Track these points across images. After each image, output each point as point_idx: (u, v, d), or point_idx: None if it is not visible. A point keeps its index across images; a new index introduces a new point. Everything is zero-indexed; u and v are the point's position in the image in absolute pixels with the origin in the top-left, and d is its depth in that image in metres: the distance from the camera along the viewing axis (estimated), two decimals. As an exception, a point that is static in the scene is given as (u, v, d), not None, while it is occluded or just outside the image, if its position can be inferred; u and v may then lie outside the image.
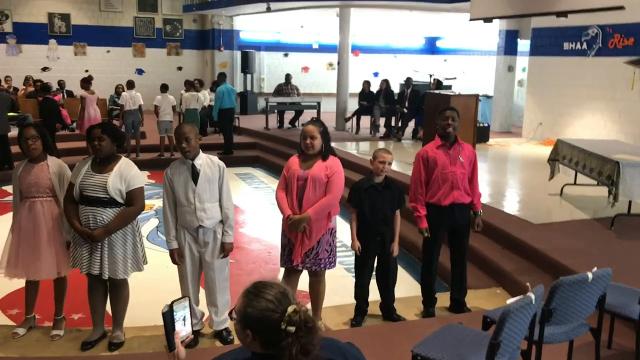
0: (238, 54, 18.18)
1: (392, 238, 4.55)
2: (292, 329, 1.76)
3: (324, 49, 18.74)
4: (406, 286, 5.63)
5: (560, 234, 6.15)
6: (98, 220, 3.98)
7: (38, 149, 4.20)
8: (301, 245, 4.24)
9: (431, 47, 20.69)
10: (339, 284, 6.01)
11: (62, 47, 17.72)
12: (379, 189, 4.52)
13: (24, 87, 14.93)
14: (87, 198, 3.99)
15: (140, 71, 18.45)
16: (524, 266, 5.65)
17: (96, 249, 4.03)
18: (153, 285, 5.22)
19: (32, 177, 4.20)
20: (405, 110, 13.35)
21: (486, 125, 13.01)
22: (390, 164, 4.49)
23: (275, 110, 14.80)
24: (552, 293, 3.04)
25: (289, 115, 15.13)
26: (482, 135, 12.58)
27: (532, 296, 2.79)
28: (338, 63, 14.50)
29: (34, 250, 4.19)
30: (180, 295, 4.32)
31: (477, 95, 9.10)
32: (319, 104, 14.69)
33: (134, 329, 4.56)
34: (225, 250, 4.26)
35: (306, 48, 19.18)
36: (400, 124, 13.49)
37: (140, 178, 4.14)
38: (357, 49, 19.42)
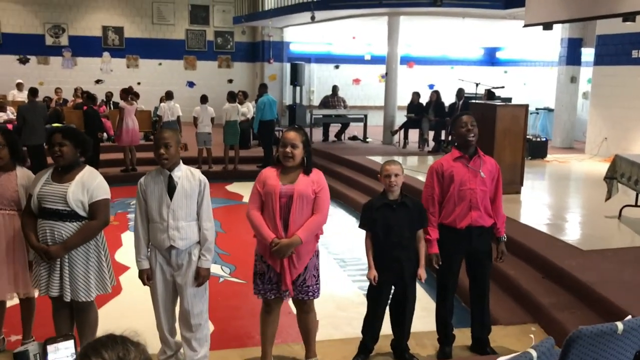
0: (287, 66, 17.85)
1: (412, 263, 3.88)
2: None
3: (376, 60, 18.12)
4: (430, 315, 4.87)
5: (613, 263, 5.29)
6: (56, 236, 3.55)
7: (4, 157, 3.82)
8: (289, 272, 3.65)
9: (490, 58, 19.72)
10: (355, 313, 5.37)
11: (116, 59, 17.95)
12: (393, 207, 3.87)
13: (73, 98, 15.11)
14: (45, 210, 3.57)
15: (191, 84, 18.44)
16: (565, 300, 4.84)
17: (55, 268, 3.59)
18: (140, 308, 4.75)
19: None
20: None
21: (544, 139, 12.03)
22: (397, 175, 3.83)
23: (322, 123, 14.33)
24: (568, 348, 2.33)
25: (335, 128, 14.59)
26: (538, 150, 11.68)
27: (534, 354, 2.11)
28: (386, 74, 13.88)
29: (2, 267, 3.80)
30: (155, 323, 3.92)
31: (526, 106, 8.25)
32: (365, 116, 14.13)
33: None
34: (201, 277, 3.71)
35: (358, 59, 18.66)
36: (450, 138, 12.69)
37: (105, 189, 3.69)
38: (411, 60, 18.79)
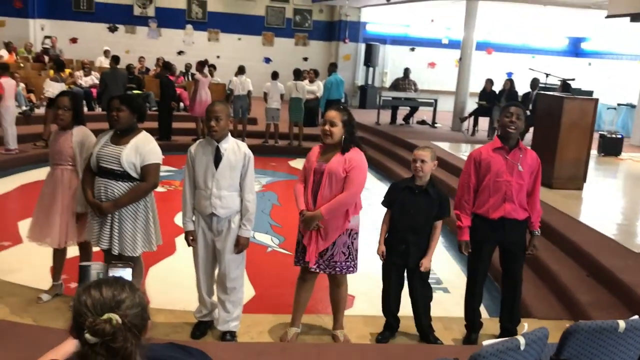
0: (362, 47, 17.85)
1: (420, 250, 3.97)
2: (91, 339, 1.42)
3: (454, 44, 17.78)
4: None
5: (663, 268, 5.12)
6: (109, 193, 3.86)
7: (65, 120, 4.22)
8: (316, 244, 3.85)
9: (575, 48, 18.92)
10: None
11: (198, 32, 18.54)
12: (416, 192, 3.97)
13: (155, 68, 15.78)
14: (102, 169, 3.90)
15: (267, 60, 18.78)
16: (606, 301, 4.76)
17: (106, 223, 3.93)
18: (189, 270, 5.06)
19: (57, 145, 4.24)
20: (529, 113, 12.22)
21: (619, 136, 11.53)
22: (424, 162, 3.89)
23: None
24: (564, 340, 2.38)
25: (404, 111, 14.53)
26: (612, 147, 11.24)
27: (521, 341, 2.17)
28: (460, 59, 13.65)
29: (47, 216, 4.23)
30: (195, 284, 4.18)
31: (596, 100, 7.98)
32: (435, 101, 13.97)
33: (165, 311, 4.42)
34: (240, 244, 3.94)
35: (435, 43, 18.38)
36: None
37: (157, 154, 3.97)
38: (490, 47, 18.34)
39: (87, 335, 1.42)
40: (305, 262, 3.91)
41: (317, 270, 3.91)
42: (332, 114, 3.79)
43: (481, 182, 3.99)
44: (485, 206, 3.96)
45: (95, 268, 1.86)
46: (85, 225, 4.14)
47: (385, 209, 4.19)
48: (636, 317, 2.49)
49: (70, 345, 1.70)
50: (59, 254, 4.52)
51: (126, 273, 1.86)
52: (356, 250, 3.94)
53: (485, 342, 2.14)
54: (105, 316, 1.45)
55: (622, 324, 2.39)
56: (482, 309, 4.77)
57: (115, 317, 1.45)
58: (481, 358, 2.07)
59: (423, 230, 3.96)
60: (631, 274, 4.87)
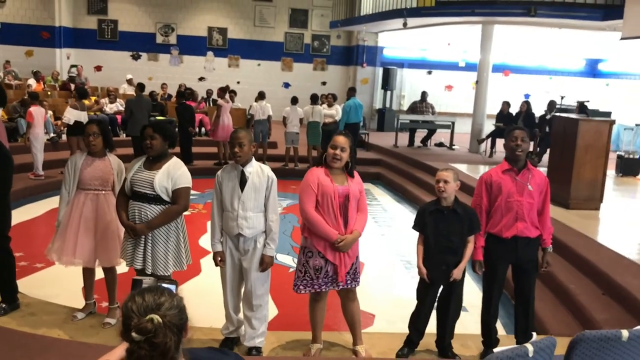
0: (380, 71, 18.16)
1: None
2: (137, 337, 1.65)
3: (470, 67, 18.00)
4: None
5: (679, 286, 5.22)
6: (142, 216, 4.10)
7: (98, 145, 4.47)
8: (344, 264, 4.05)
9: (592, 69, 19.02)
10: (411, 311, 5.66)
11: (218, 59, 19.01)
12: (445, 213, 4.14)
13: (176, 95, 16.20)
14: (136, 193, 4.14)
15: (287, 85, 19.17)
16: (620, 318, 4.86)
17: (139, 244, 4.16)
18: (215, 289, 5.26)
19: (96, 171, 4.47)
20: (545, 132, 12.37)
21: (637, 157, 11.59)
22: (447, 182, 4.08)
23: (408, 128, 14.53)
24: (571, 350, 2.54)
25: (421, 133, 14.74)
26: (630, 168, 11.32)
27: (530, 348, 2.34)
28: (477, 82, 13.85)
29: (97, 239, 4.47)
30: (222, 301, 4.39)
31: (612, 121, 8.11)
32: (453, 124, 14.16)
33: (193, 328, 4.61)
34: (265, 263, 4.15)
35: (452, 66, 18.61)
36: (538, 149, 12.52)
37: (187, 178, 4.21)
38: (507, 69, 18.53)
39: (134, 334, 1.64)
40: (331, 285, 4.08)
41: (348, 286, 4.11)
42: (342, 140, 4.03)
43: (493, 203, 4.17)
44: (498, 226, 4.13)
45: (147, 282, 2.09)
46: None
47: (409, 233, 4.38)
48: (638, 327, 2.63)
49: (121, 350, 1.92)
50: (88, 274, 4.76)
51: (172, 288, 2.07)
52: None
53: (496, 349, 2.31)
54: (148, 317, 1.67)
55: (625, 333, 2.54)
56: (499, 326, 4.93)
57: (156, 317, 1.67)
58: (492, 364, 2.24)
59: (459, 249, 4.10)
60: (646, 291, 4.98)
